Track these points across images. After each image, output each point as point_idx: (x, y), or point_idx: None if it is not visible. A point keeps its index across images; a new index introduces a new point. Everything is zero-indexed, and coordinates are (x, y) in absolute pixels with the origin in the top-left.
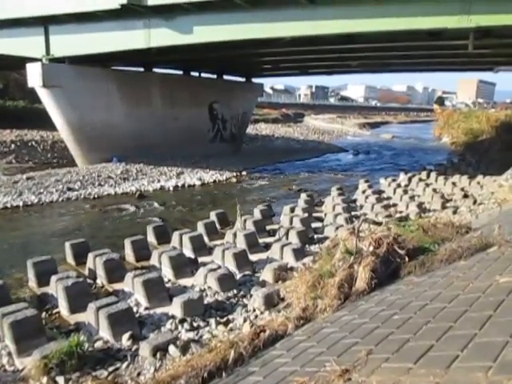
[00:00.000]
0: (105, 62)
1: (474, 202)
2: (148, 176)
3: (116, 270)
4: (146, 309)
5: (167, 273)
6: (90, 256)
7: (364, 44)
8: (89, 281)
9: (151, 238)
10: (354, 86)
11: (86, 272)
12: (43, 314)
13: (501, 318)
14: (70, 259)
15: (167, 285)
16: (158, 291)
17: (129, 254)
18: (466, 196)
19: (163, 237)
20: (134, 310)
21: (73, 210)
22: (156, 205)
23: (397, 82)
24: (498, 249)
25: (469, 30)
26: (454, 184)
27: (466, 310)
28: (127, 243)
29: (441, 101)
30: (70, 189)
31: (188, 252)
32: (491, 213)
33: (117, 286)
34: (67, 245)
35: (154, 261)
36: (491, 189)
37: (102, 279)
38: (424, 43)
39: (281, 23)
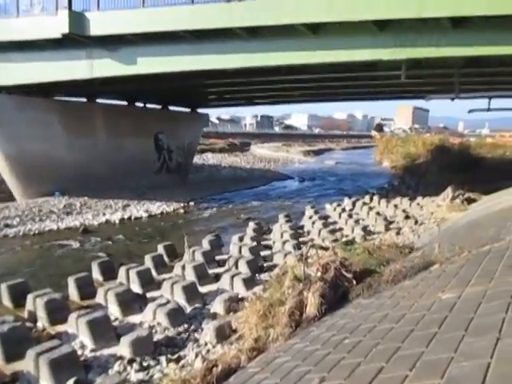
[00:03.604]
0: (46, 92)
1: (416, 223)
2: (93, 209)
3: (59, 311)
4: (92, 350)
5: (114, 310)
6: (30, 297)
7: (305, 75)
8: (28, 324)
9: (96, 274)
10: (298, 114)
11: (26, 315)
12: None
13: (445, 334)
14: (6, 302)
15: (114, 323)
16: (104, 331)
17: (73, 293)
18: (407, 217)
19: (109, 273)
20: (79, 352)
21: (10, 248)
22: (101, 239)
23: (338, 110)
24: (439, 266)
25: (401, 62)
26: (395, 206)
27: (413, 329)
28: (71, 281)
29: (379, 127)
30: (7, 225)
31: (136, 287)
32: (432, 232)
33: (60, 328)
34: (3, 286)
35: (99, 299)
36: (430, 209)
37: (43, 321)
38: (361, 74)
39: (223, 55)
